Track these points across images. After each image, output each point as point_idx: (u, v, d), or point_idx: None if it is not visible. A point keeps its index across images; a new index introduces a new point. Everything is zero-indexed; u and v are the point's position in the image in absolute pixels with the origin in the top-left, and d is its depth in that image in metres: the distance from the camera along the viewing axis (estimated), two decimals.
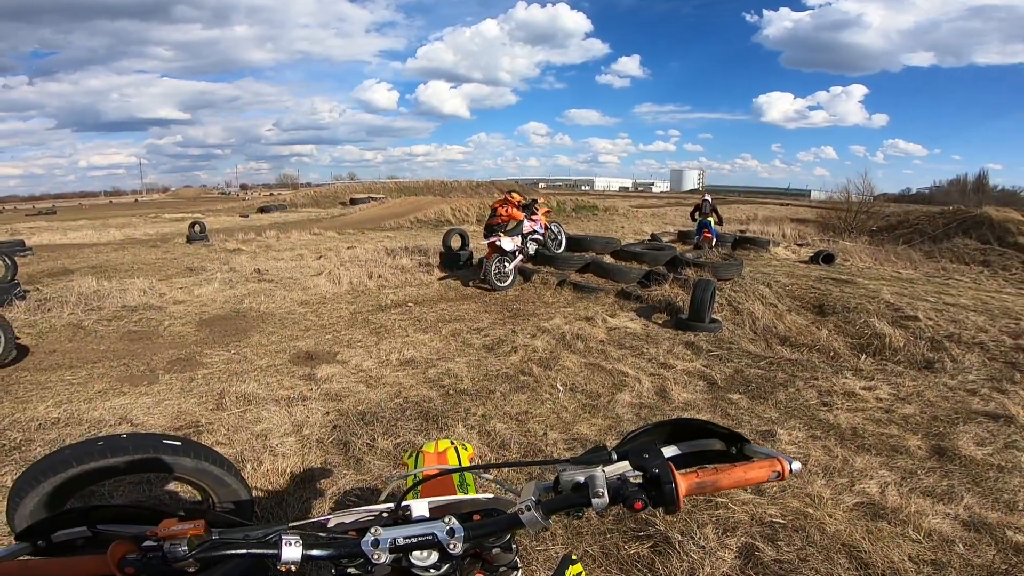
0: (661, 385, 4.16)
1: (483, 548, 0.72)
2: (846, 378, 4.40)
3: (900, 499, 2.63)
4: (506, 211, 8.25)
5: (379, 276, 8.18)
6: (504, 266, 7.77)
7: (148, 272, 8.73)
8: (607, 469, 0.68)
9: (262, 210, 30.32)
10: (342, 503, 2.56)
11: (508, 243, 7.82)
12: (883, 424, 3.60)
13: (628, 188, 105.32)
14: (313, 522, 0.72)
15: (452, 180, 49.70)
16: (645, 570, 2.15)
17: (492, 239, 7.85)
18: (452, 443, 1.53)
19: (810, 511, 2.48)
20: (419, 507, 0.81)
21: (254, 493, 2.60)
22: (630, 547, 2.26)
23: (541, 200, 9.47)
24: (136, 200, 61.98)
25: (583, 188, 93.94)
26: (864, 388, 4.19)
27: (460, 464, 1.44)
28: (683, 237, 13.72)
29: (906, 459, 3.13)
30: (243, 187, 79.59)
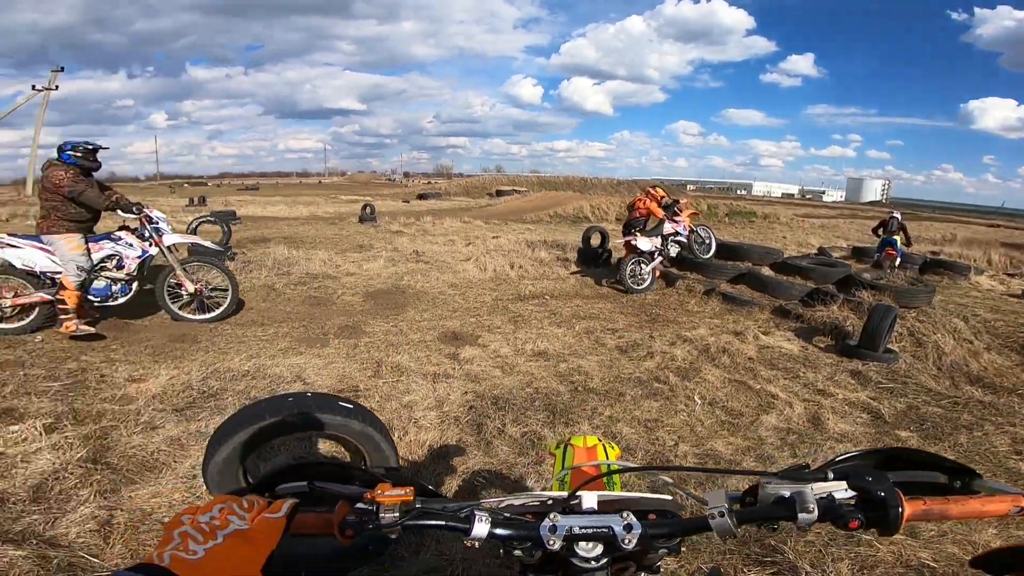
0: (815, 412, 3.77)
1: (651, 548, 0.72)
2: None
3: None
4: (644, 205, 7.89)
5: (520, 267, 8.45)
6: (640, 268, 7.43)
7: (327, 245, 9.97)
8: (815, 487, 0.66)
9: (420, 197, 32.83)
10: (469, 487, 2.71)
11: (645, 243, 7.46)
12: None
13: (793, 195, 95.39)
14: (499, 501, 0.76)
15: (592, 177, 49.30)
16: None
17: (628, 238, 7.55)
18: (600, 440, 1.53)
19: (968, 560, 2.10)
20: (589, 499, 0.81)
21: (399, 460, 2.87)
22: (751, 571, 2.11)
23: (684, 201, 8.87)
24: (320, 182, 70.76)
25: (739, 192, 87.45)
26: None
27: (608, 460, 1.44)
28: (857, 254, 12.16)
29: None
30: (406, 175, 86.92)
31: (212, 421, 3.03)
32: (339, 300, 6.19)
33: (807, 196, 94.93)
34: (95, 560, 1.97)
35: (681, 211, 8.14)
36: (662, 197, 8.13)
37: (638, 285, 7.34)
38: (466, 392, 3.78)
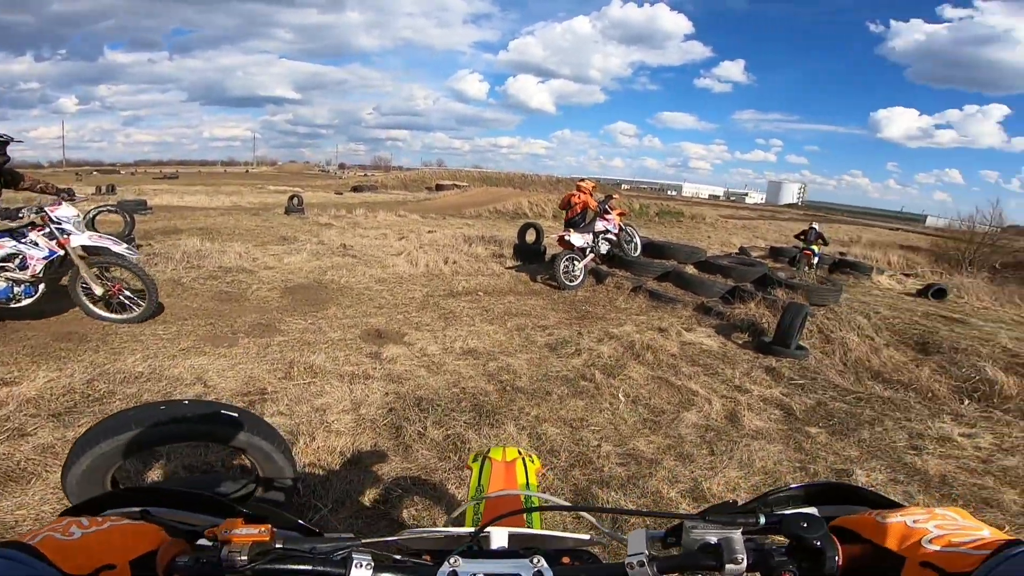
0: (733, 409, 3.88)
1: None
2: (943, 422, 3.95)
3: None
4: (580, 199, 7.92)
5: (454, 262, 8.29)
6: (573, 264, 7.45)
7: (246, 237, 9.38)
8: (745, 531, 0.59)
9: (355, 189, 31.88)
10: (410, 525, 2.56)
11: (578, 239, 7.50)
12: (977, 474, 3.23)
13: (719, 196, 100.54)
14: (385, 541, 0.65)
15: (533, 174, 49.91)
16: None
17: (562, 234, 7.57)
18: (520, 452, 1.44)
19: None
20: (498, 536, 0.75)
21: (304, 468, 2.67)
22: None
23: (616, 198, 8.87)
24: (247, 171, 67.33)
25: (669, 192, 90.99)
26: (963, 435, 3.76)
27: (527, 477, 1.35)
28: (775, 253, 12.90)
29: (996, 512, 2.82)
30: (341, 166, 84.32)
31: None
32: (253, 296, 5.79)
33: (731, 198, 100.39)
34: None
35: (612, 209, 8.22)
36: (593, 188, 8.20)
37: (571, 281, 7.35)
38: (387, 393, 3.60)
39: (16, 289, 4.32)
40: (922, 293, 9.43)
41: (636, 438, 3.33)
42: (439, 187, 33.87)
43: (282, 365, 3.93)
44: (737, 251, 12.79)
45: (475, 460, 1.41)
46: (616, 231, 8.14)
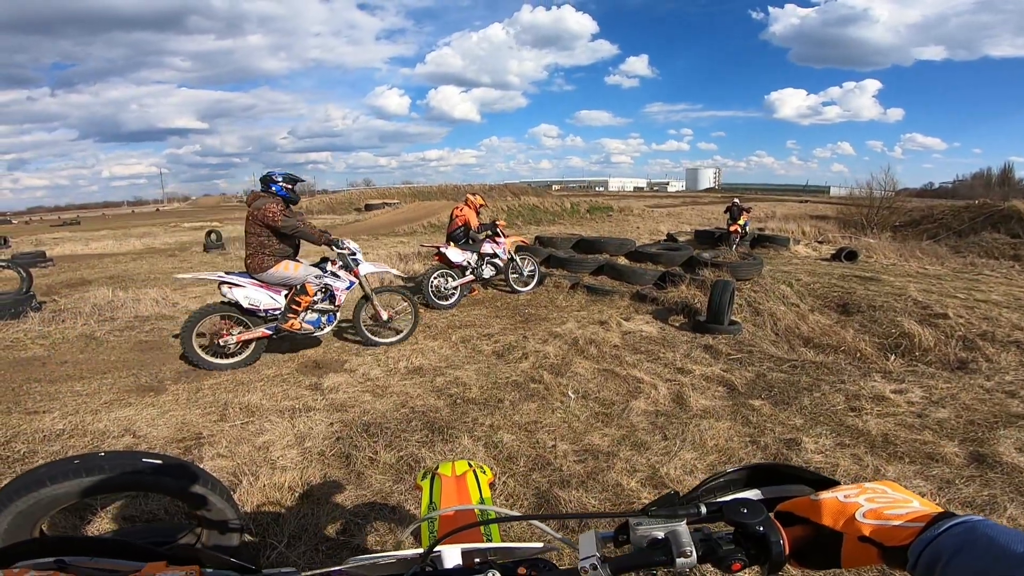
0: (678, 392, 3.99)
1: None
2: (874, 381, 4.20)
3: None
4: (461, 214, 7.44)
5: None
6: (447, 281, 6.89)
7: (163, 282, 8.79)
8: (690, 523, 0.59)
9: None
10: (333, 542, 2.44)
11: (457, 255, 7.00)
12: (916, 430, 3.40)
13: (643, 188, 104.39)
14: (328, 572, 0.62)
15: (465, 184, 50.01)
16: None
17: (440, 247, 7.08)
18: (470, 465, 1.39)
19: None
20: (451, 554, 0.71)
21: (251, 508, 2.52)
22: None
23: (502, 225, 7.86)
24: (157, 210, 63.41)
25: (597, 189, 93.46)
26: (894, 391, 3.99)
27: (480, 490, 1.31)
28: (700, 236, 13.49)
29: (943, 467, 2.95)
30: None
31: None
32: (177, 342, 5.42)
33: (654, 188, 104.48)
34: None
35: (504, 234, 7.62)
36: (480, 205, 7.73)
37: (441, 300, 6.77)
38: (332, 423, 3.45)
39: (323, 319, 4.86)
40: (836, 257, 10.15)
41: (590, 433, 3.36)
42: (368, 207, 33.16)
43: (216, 407, 3.69)
44: (665, 238, 13.28)
45: (424, 478, 1.36)
46: (505, 257, 7.50)
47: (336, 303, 4.90)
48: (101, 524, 2.41)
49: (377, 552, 0.71)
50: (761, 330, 5.47)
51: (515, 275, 7.58)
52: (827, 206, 31.59)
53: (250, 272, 4.58)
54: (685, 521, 0.57)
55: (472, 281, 7.24)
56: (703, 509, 0.58)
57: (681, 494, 0.62)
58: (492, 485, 2.92)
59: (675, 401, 3.86)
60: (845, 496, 0.56)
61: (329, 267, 4.92)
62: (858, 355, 4.81)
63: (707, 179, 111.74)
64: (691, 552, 0.55)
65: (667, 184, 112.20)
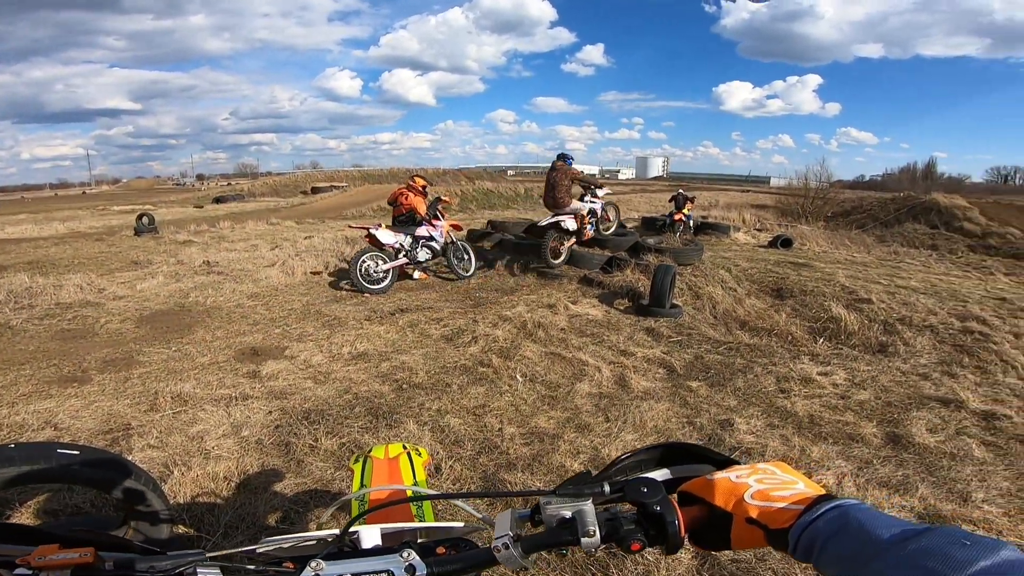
0: (621, 374, 4.09)
1: None
2: (803, 363, 4.42)
3: (857, 491, 2.62)
4: (407, 200, 7.34)
5: (336, 266, 7.91)
6: (377, 263, 6.60)
7: (89, 267, 8.21)
8: (596, 503, 0.59)
9: (218, 200, 29.29)
10: (271, 530, 2.38)
11: (387, 236, 6.75)
12: (839, 411, 3.61)
13: (595, 175, 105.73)
14: (239, 551, 0.60)
15: (418, 167, 49.15)
16: None
17: (369, 228, 6.85)
18: (404, 447, 1.38)
19: None
20: (369, 534, 0.71)
21: (184, 499, 2.42)
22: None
23: (446, 201, 7.79)
24: (84, 192, 59.26)
25: None
26: (820, 373, 4.21)
27: (414, 472, 1.30)
28: (647, 223, 13.79)
29: (862, 448, 3.14)
30: (199, 177, 76.99)
31: None
32: (103, 330, 5.09)
33: (606, 175, 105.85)
34: None
35: (442, 215, 7.44)
36: (423, 187, 7.60)
37: (370, 284, 6.51)
38: (270, 411, 3.34)
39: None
40: (772, 244, 10.62)
41: (537, 416, 3.40)
42: (315, 190, 32.15)
43: (146, 397, 3.51)
44: None
45: (356, 461, 1.35)
46: (442, 241, 7.27)
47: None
48: (21, 519, 2.26)
49: (293, 532, 0.69)
50: (700, 313, 5.67)
51: (457, 260, 7.34)
52: (767, 196, 32.98)
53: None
54: (591, 500, 0.58)
55: (406, 264, 7.03)
56: (607, 488, 0.59)
57: (594, 473, 0.63)
58: (438, 469, 2.91)
59: (618, 383, 3.96)
60: (737, 476, 0.57)
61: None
62: (789, 338, 5.05)
63: (656, 168, 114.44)
64: (595, 531, 0.56)
65: (618, 172, 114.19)
